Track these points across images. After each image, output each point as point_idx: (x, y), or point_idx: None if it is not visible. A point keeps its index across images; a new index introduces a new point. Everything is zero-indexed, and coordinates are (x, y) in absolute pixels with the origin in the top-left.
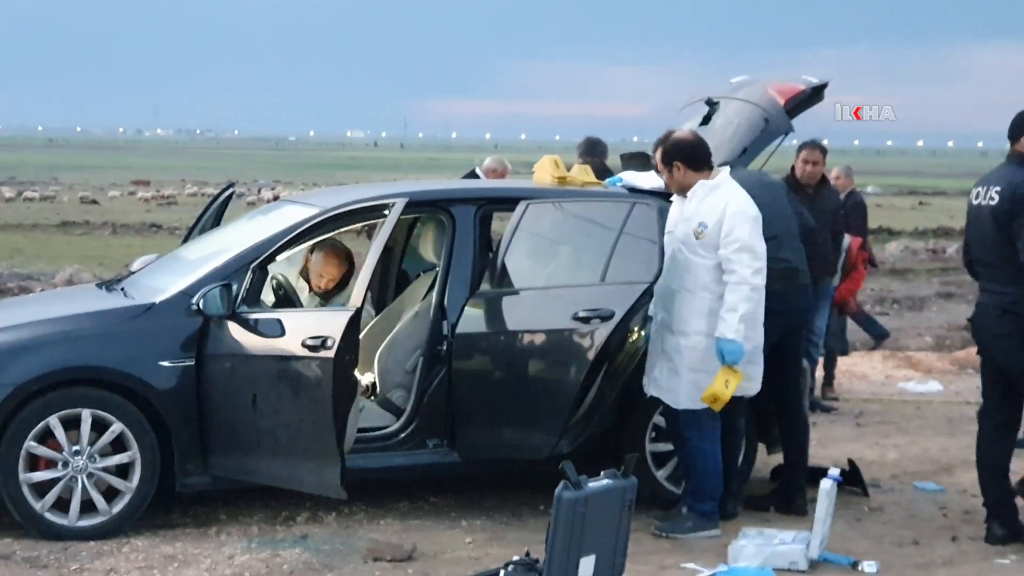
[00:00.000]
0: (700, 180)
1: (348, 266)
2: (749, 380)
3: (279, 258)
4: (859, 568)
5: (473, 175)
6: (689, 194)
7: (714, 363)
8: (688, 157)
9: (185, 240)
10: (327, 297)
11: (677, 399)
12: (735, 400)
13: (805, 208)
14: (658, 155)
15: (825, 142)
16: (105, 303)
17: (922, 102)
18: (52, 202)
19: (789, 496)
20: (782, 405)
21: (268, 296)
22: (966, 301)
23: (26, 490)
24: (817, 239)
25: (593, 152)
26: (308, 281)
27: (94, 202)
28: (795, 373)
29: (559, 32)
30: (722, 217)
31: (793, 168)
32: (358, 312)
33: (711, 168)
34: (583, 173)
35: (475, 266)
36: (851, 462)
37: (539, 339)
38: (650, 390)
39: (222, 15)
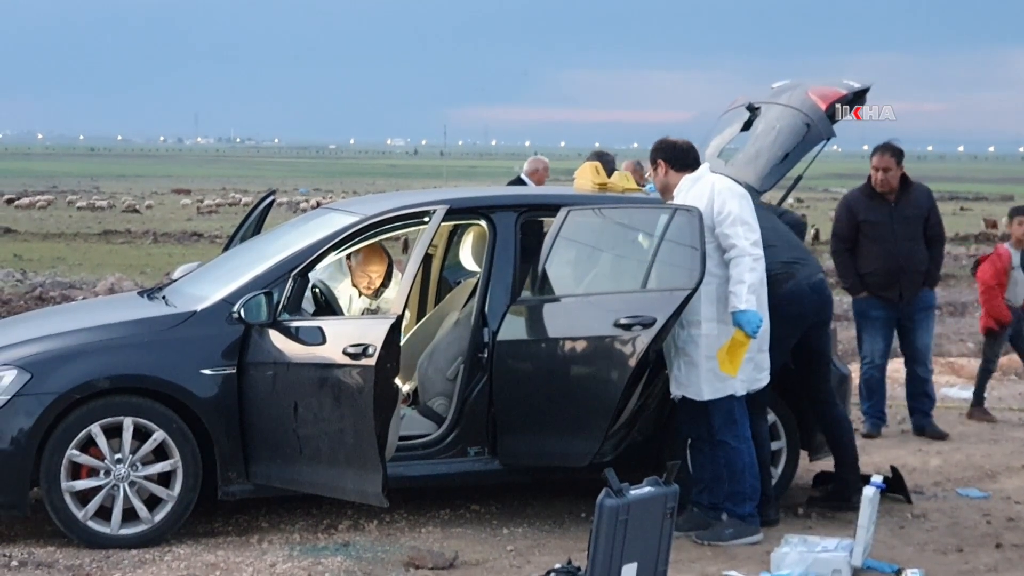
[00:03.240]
0: (683, 177)
1: (388, 258)
2: (759, 370)
3: (320, 266)
4: (902, 575)
5: (519, 181)
6: (675, 192)
7: None
8: (671, 157)
9: (226, 248)
10: (377, 294)
11: (700, 391)
12: (755, 402)
13: (884, 215)
14: (650, 159)
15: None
16: (147, 311)
17: (963, 107)
18: (94, 211)
19: (846, 495)
20: (817, 405)
21: (309, 304)
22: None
23: (68, 498)
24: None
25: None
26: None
27: (135, 211)
28: (824, 372)
29: (599, 40)
30: (711, 198)
31: (870, 176)
32: (399, 320)
33: (695, 171)
34: (624, 180)
35: (516, 273)
36: (894, 469)
37: (580, 346)
38: (678, 392)
39: (262, 24)
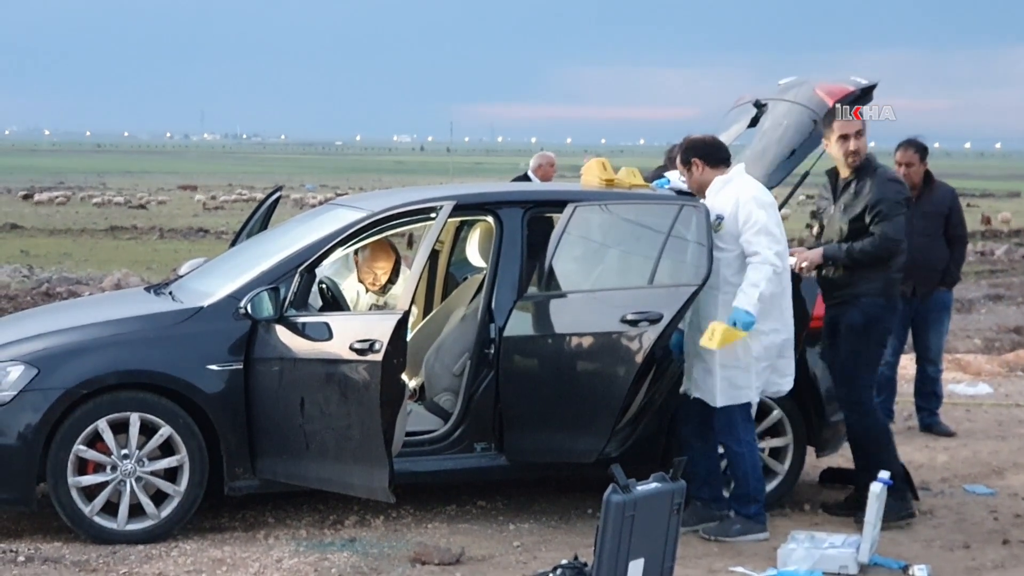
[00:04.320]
0: (716, 176)
1: (395, 255)
2: (781, 376)
3: (327, 262)
4: (909, 572)
5: (525, 178)
6: (707, 192)
7: (747, 358)
8: (705, 154)
9: (233, 244)
10: (384, 290)
11: (714, 397)
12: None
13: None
14: (678, 157)
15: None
16: (153, 307)
17: (970, 104)
18: (100, 207)
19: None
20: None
21: (316, 300)
22: (1015, 303)
23: (75, 494)
24: None
25: None
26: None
27: (142, 207)
28: (874, 377)
29: (606, 37)
30: (736, 205)
31: None
32: (406, 315)
33: (728, 167)
34: (630, 175)
35: (522, 269)
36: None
37: (587, 342)
38: (692, 392)
39: (269, 21)
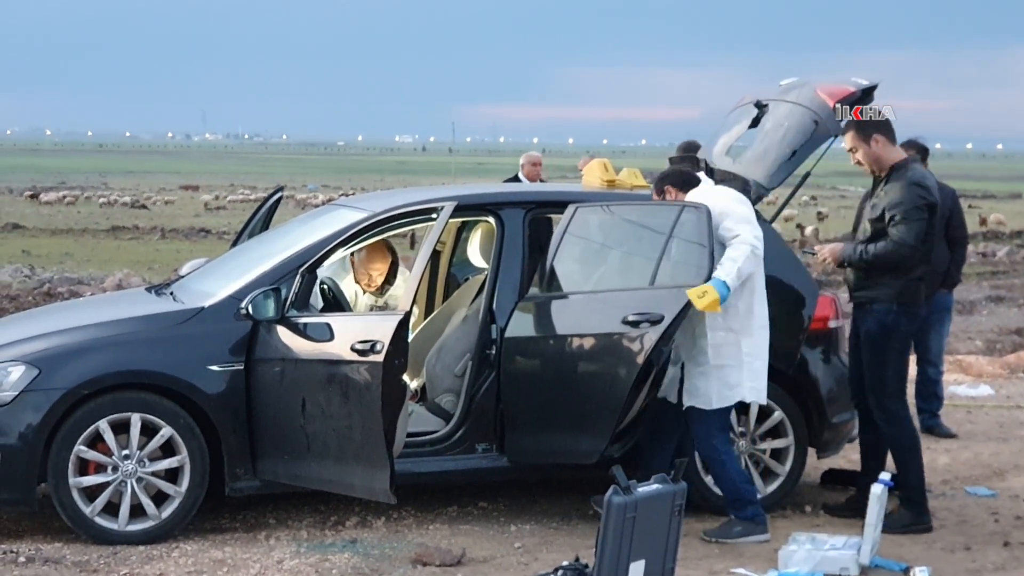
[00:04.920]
0: (689, 194)
1: (392, 256)
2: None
3: (328, 262)
4: (910, 573)
5: (516, 179)
6: None
7: (739, 356)
8: (676, 182)
9: (234, 244)
10: (382, 292)
11: (709, 400)
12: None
13: None
14: (652, 187)
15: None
16: (155, 307)
17: (971, 105)
18: (102, 207)
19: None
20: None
21: (317, 300)
22: (1016, 305)
23: (76, 494)
24: None
25: (689, 152)
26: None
27: (143, 207)
28: (903, 384)
29: (608, 38)
30: (713, 205)
31: None
32: (407, 316)
33: (698, 187)
34: (632, 176)
35: (524, 270)
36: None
37: (588, 343)
38: (684, 400)
39: (270, 21)
